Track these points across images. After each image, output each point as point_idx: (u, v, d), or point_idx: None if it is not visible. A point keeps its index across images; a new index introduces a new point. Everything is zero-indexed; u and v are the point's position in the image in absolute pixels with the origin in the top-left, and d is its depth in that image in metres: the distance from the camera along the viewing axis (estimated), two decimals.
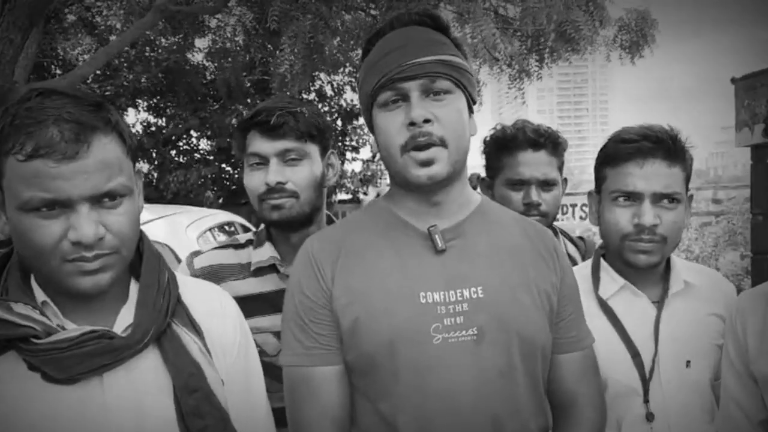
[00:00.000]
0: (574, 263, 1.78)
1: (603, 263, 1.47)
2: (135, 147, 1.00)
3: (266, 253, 1.51)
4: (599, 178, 1.45)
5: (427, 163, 1.08)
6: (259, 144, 1.44)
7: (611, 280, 1.43)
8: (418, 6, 4.23)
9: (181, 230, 3.19)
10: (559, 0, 4.60)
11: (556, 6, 4.57)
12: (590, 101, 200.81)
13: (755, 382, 1.29)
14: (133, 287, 1.02)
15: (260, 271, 1.50)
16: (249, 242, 1.58)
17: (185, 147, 11.02)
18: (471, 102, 1.17)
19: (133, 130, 10.52)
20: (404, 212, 1.17)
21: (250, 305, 1.37)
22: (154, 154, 10.58)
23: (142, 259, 1.04)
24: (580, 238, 2.07)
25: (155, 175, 10.48)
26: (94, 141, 0.90)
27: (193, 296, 1.09)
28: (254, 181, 1.46)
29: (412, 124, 1.07)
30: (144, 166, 10.55)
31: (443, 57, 1.11)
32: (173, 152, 10.81)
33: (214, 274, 1.49)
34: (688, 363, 1.37)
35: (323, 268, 1.14)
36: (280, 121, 1.42)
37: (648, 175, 1.34)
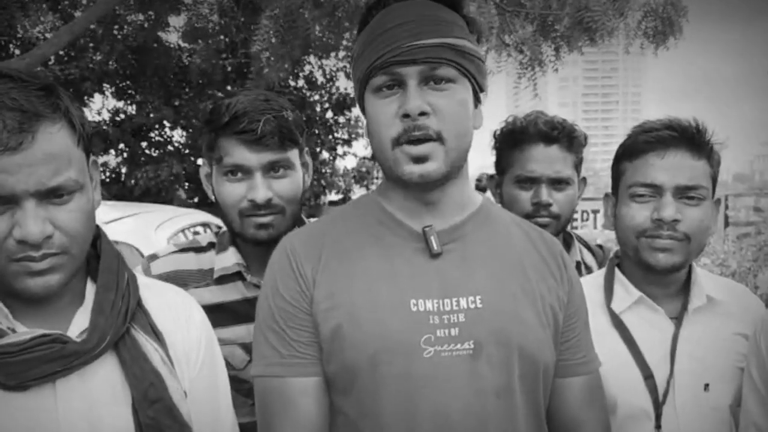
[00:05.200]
0: (590, 273, 1.81)
1: (618, 273, 1.48)
2: (89, 135, 1.01)
3: (230, 258, 1.52)
4: (617, 175, 1.46)
5: (420, 160, 1.08)
6: (241, 154, 1.44)
7: (626, 293, 1.45)
8: None
9: (150, 230, 3.21)
10: None
11: None
12: (620, 93, 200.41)
13: None
14: (90, 289, 1.05)
15: (224, 279, 1.52)
16: (211, 245, 1.59)
17: (157, 138, 11.04)
18: (479, 91, 1.15)
19: (100, 118, 10.46)
20: (396, 209, 1.17)
21: (213, 316, 1.37)
22: (122, 146, 10.61)
23: (99, 259, 1.05)
24: (599, 246, 2.08)
25: (123, 169, 10.51)
26: (39, 130, 0.91)
27: (156, 301, 1.11)
28: (234, 193, 1.46)
29: (407, 116, 1.07)
30: (111, 160, 10.57)
31: (449, 40, 1.08)
32: (144, 144, 10.83)
33: (173, 281, 1.48)
34: (706, 386, 1.38)
35: (303, 268, 1.14)
36: (266, 130, 1.42)
37: (670, 167, 1.35)
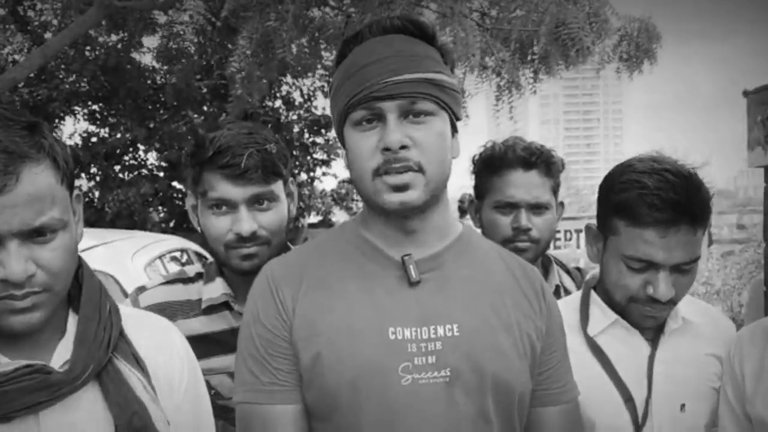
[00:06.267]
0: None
1: (593, 296, 1.52)
2: (72, 172, 1.04)
3: (218, 289, 1.57)
4: (607, 225, 1.43)
5: (401, 188, 1.11)
6: (225, 188, 1.49)
7: (602, 315, 1.48)
8: (400, 6, 4.33)
9: (126, 258, 3.23)
10: (553, 4, 4.71)
11: (549, 9, 4.68)
12: (602, 111, 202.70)
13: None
14: (72, 320, 1.07)
15: (212, 309, 1.57)
16: (199, 276, 1.64)
17: (131, 161, 10.98)
18: (455, 119, 1.20)
19: (71, 142, 10.30)
20: (376, 237, 1.21)
21: (201, 345, 1.41)
22: (95, 170, 10.52)
23: (81, 289, 1.08)
24: (577, 268, 2.13)
25: (96, 193, 10.42)
26: (24, 171, 0.93)
27: (138, 330, 1.14)
28: (219, 227, 1.51)
29: (387, 149, 1.10)
30: (83, 183, 10.46)
31: (427, 75, 1.13)
32: (117, 167, 10.76)
33: (162, 313, 1.51)
34: (683, 407, 1.43)
35: (283, 296, 1.17)
36: (250, 164, 1.47)
37: (670, 246, 1.34)
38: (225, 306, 1.57)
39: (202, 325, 1.55)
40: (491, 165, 1.90)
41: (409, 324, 1.14)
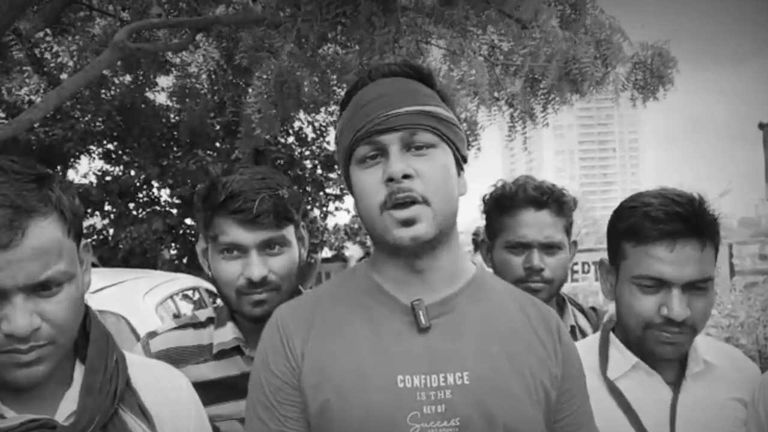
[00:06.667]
0: (585, 337, 1.83)
1: (613, 338, 1.49)
2: (80, 223, 1.04)
3: (229, 333, 1.57)
4: (617, 253, 1.45)
5: (409, 223, 1.11)
6: (236, 233, 1.50)
7: (622, 358, 1.46)
8: (408, 44, 4.42)
9: (138, 298, 3.22)
10: (563, 40, 4.75)
11: (559, 44, 4.73)
12: (617, 140, 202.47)
13: None
14: (78, 370, 1.08)
15: (223, 354, 1.56)
16: (210, 320, 1.64)
17: (144, 199, 11.12)
18: (460, 159, 1.21)
19: (86, 181, 10.46)
20: (386, 281, 1.20)
21: (213, 391, 1.43)
22: (109, 208, 10.65)
23: (88, 339, 1.09)
24: (593, 308, 2.11)
25: (110, 231, 10.53)
26: (30, 226, 0.94)
27: (144, 379, 1.14)
28: (230, 271, 1.52)
29: (391, 179, 1.11)
30: (97, 221, 10.58)
31: (426, 108, 1.15)
32: (131, 205, 10.89)
33: (173, 359, 1.53)
34: None
35: (292, 342, 1.17)
36: (261, 209, 1.48)
37: (679, 261, 1.34)
38: (236, 351, 1.57)
39: (212, 370, 1.55)
40: (502, 204, 1.89)
41: (418, 371, 1.13)
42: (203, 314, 1.68)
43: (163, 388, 1.17)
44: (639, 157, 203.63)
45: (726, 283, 9.15)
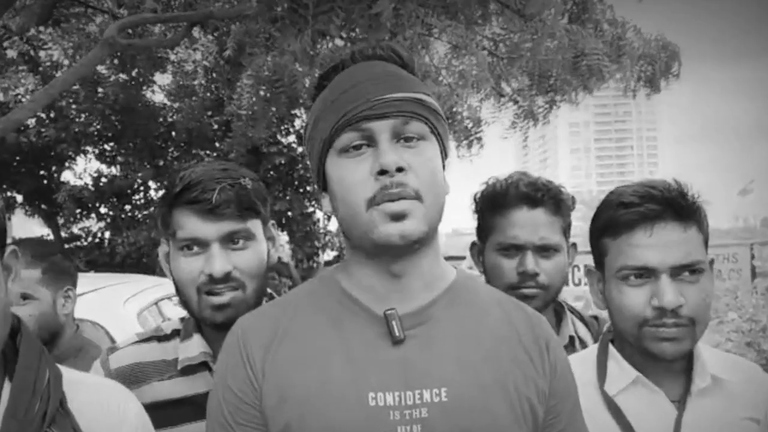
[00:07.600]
0: (585, 348, 1.73)
1: (612, 350, 1.44)
2: (3, 231, 1.01)
3: (196, 348, 1.49)
4: (599, 252, 1.41)
5: (399, 217, 1.04)
6: (196, 226, 1.41)
7: (621, 372, 1.39)
8: (410, 37, 4.36)
9: (118, 305, 3.18)
10: (569, 33, 4.73)
11: (563, 38, 4.69)
12: (635, 137, 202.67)
13: None
14: (6, 389, 1.02)
15: (189, 370, 1.48)
16: (176, 333, 1.55)
17: (141, 201, 11.16)
18: (444, 155, 1.15)
19: (81, 182, 10.64)
20: (357, 288, 1.14)
21: (178, 410, 1.37)
22: (104, 210, 10.71)
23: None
24: (594, 317, 1.99)
25: (106, 234, 10.58)
26: None
27: (85, 399, 1.08)
28: (189, 269, 1.43)
29: (383, 172, 1.04)
30: (93, 225, 10.65)
31: (418, 95, 1.09)
32: (127, 207, 10.93)
33: (134, 375, 1.47)
34: None
35: (252, 357, 1.10)
36: (222, 199, 1.40)
37: (659, 244, 1.31)
38: (204, 366, 1.48)
39: (178, 387, 1.46)
40: (493, 203, 1.79)
41: (391, 388, 1.06)
42: (169, 326, 1.58)
43: (107, 409, 1.10)
44: (658, 155, 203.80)
45: (747, 286, 9.05)
